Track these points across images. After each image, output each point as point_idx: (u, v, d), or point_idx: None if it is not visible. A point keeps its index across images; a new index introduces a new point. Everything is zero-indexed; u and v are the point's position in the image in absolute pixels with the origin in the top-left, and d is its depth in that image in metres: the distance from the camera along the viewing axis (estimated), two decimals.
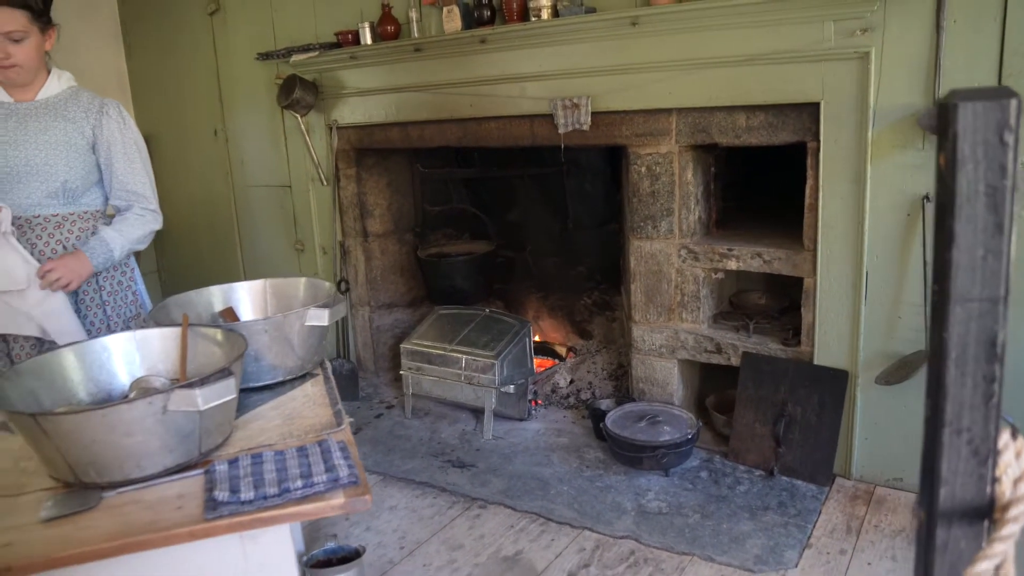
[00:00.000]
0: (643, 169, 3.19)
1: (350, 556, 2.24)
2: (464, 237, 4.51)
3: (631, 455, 3.01)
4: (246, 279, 2.20)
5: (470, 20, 3.43)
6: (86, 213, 2.39)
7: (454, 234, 4.53)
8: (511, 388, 3.42)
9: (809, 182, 2.85)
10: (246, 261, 4.82)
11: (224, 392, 1.39)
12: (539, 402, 3.68)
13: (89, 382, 1.67)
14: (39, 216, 2.30)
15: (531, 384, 3.59)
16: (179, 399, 1.36)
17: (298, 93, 3.93)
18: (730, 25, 2.80)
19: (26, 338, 2.30)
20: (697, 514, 2.75)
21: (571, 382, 3.79)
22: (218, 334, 1.69)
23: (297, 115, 4.06)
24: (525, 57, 3.31)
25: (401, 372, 3.64)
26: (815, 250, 2.86)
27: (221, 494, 1.30)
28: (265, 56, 4.15)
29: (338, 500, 1.32)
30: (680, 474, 3.00)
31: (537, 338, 3.75)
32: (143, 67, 5.11)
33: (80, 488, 1.41)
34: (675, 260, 3.21)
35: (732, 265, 3.10)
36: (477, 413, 3.57)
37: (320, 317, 1.85)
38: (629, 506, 2.82)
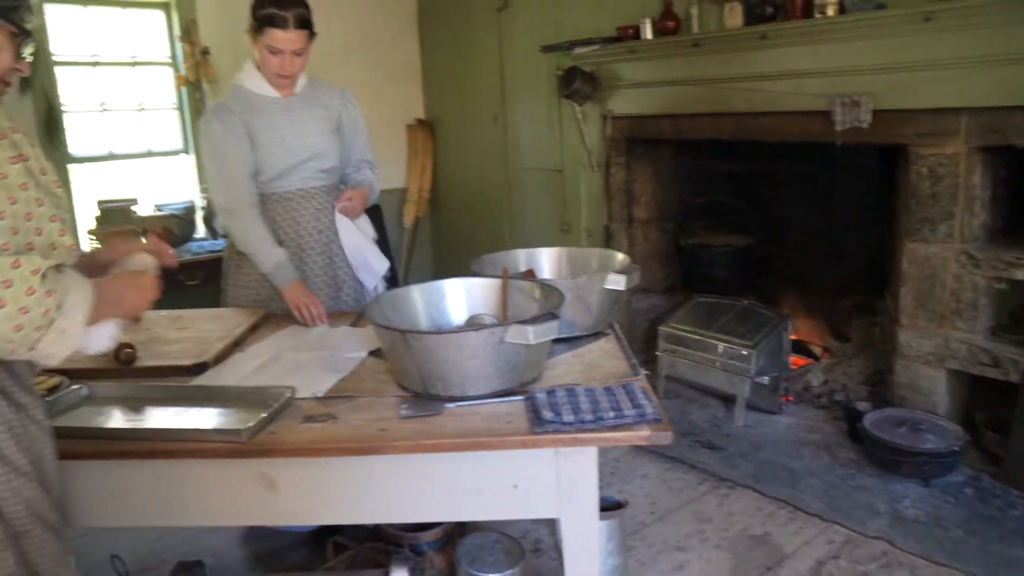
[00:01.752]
0: (924, 170, 3.10)
1: (612, 506, 2.45)
2: (722, 229, 4.57)
3: (889, 459, 2.97)
4: None
5: (751, 16, 3.50)
6: (337, 182, 2.80)
7: (713, 226, 4.60)
8: (765, 379, 3.47)
9: None
10: (514, 238, 5.20)
11: (550, 331, 1.64)
12: (790, 398, 3.69)
13: (425, 316, 2.00)
14: (313, 187, 2.70)
15: (784, 378, 3.61)
16: (514, 333, 1.61)
17: (578, 84, 4.20)
18: None
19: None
20: (959, 529, 2.66)
21: (824, 383, 3.75)
22: (536, 290, 1.95)
23: (575, 104, 4.35)
24: (805, 53, 3.32)
25: (657, 353, 3.80)
26: None
27: (547, 414, 1.54)
28: (548, 49, 4.47)
29: (644, 432, 1.52)
30: (942, 486, 2.91)
31: (792, 336, 3.76)
32: (434, 57, 5.67)
33: (426, 398, 1.72)
34: (952, 266, 3.09)
35: (1021, 275, 2.94)
36: (727, 400, 3.65)
37: (618, 282, 2.06)
38: (883, 509, 2.79)
